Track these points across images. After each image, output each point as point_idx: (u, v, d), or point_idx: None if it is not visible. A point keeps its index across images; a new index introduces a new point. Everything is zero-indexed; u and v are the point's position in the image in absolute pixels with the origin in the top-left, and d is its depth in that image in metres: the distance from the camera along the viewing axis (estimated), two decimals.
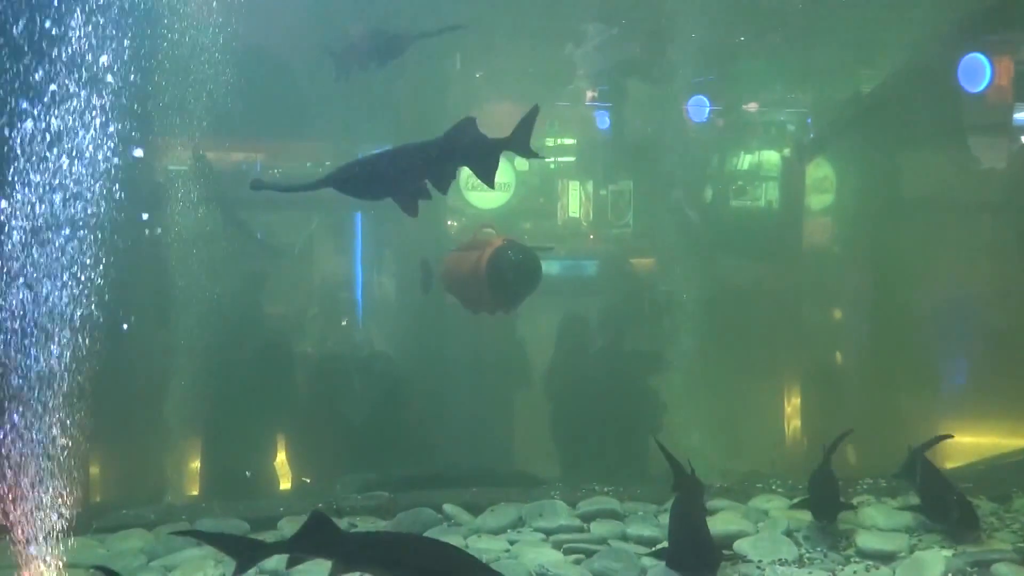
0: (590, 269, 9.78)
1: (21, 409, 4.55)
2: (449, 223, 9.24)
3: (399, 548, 4.38)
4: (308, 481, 7.77)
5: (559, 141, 10.48)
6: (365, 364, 8.66)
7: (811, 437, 9.35)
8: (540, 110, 5.03)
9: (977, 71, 9.73)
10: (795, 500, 6.10)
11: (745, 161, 10.24)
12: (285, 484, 7.82)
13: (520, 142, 5.12)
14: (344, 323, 9.14)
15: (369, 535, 5.33)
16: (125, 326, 6.69)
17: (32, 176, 4.71)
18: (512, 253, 6.15)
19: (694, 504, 5.32)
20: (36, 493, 4.64)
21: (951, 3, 8.82)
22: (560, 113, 10.17)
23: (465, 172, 9.64)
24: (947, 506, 5.61)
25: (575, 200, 10.41)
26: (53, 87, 4.67)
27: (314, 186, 5.12)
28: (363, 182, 5.24)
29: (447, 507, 6.28)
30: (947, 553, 5.39)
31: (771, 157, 10.27)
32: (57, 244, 4.81)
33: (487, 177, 5.16)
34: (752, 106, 10.53)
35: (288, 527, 5.97)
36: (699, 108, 10.02)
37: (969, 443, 8.54)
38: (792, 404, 9.63)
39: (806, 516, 5.92)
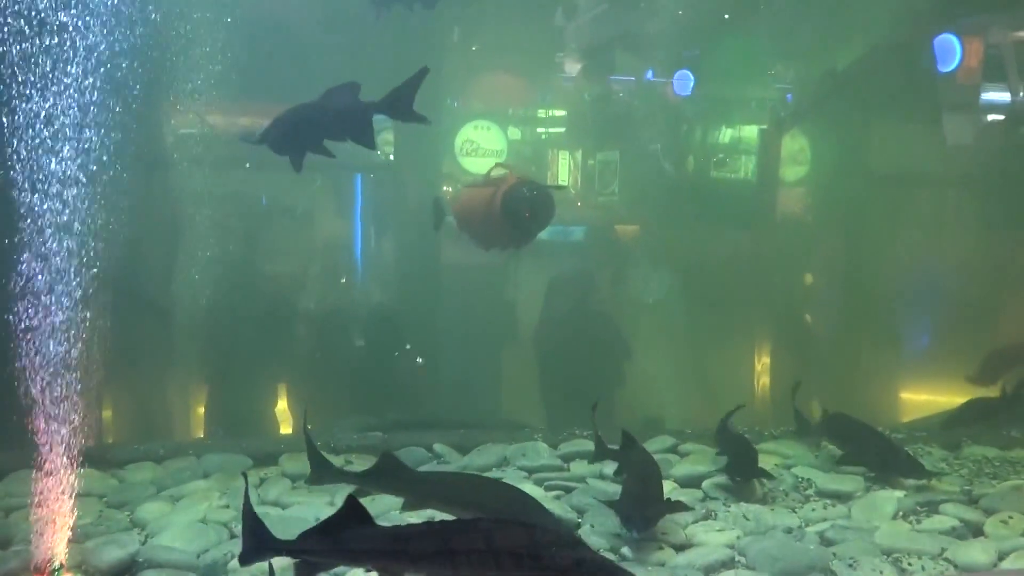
0: (577, 234, 9.89)
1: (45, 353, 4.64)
2: (445, 188, 9.31)
3: (464, 487, 4.57)
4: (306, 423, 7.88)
5: (550, 112, 10.56)
6: (363, 318, 8.79)
7: (775, 392, 9.55)
8: (428, 72, 4.90)
9: (949, 51, 9.83)
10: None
11: (726, 134, 10.33)
12: (285, 426, 7.97)
13: (397, 106, 4.96)
14: (343, 281, 9.25)
15: (435, 474, 5.53)
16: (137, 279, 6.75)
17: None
18: (527, 189, 6.13)
19: (640, 461, 5.37)
20: (56, 427, 4.74)
21: None
22: (551, 85, 10.24)
23: (460, 137, 9.82)
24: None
25: (564, 169, 10.50)
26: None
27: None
28: (272, 139, 5.33)
29: (437, 446, 6.45)
30: (899, 494, 5.58)
31: (751, 130, 10.37)
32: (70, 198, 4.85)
33: (363, 140, 5.07)
34: (734, 81, 10.59)
35: (288, 463, 6.14)
36: (684, 82, 10.10)
37: (927, 400, 8.79)
38: (761, 362, 9.81)
39: (770, 459, 6.13)
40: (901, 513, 5.43)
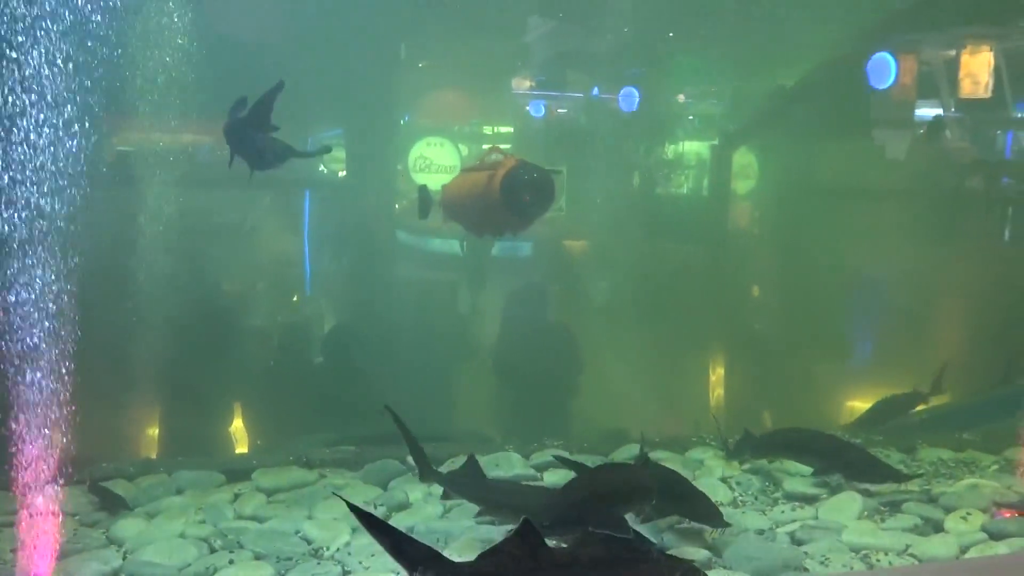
0: (525, 250, 9.95)
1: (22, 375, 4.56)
2: (398, 205, 9.31)
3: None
4: (274, 439, 7.80)
5: (497, 129, 10.63)
6: (322, 336, 8.72)
7: (730, 402, 9.74)
8: (284, 86, 5.14)
9: (884, 69, 10.18)
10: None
11: (673, 150, 10.51)
12: (257, 442, 7.85)
13: (255, 119, 5.20)
14: (295, 299, 9.17)
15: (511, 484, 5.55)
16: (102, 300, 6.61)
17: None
18: (527, 172, 5.96)
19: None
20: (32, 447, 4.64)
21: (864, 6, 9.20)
22: (500, 101, 10.31)
23: (413, 154, 9.81)
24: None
25: None
26: None
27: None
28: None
29: (411, 459, 6.40)
30: (862, 496, 5.73)
31: (697, 146, 10.57)
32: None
33: (242, 155, 5.37)
34: (680, 97, 10.80)
35: (262, 478, 6.07)
36: (629, 99, 10.25)
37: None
38: (716, 373, 9.99)
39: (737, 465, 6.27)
40: (866, 513, 5.58)
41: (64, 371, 4.69)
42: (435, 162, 9.61)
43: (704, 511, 4.89)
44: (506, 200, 5.91)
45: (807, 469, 6.09)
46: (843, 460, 5.80)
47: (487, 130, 10.46)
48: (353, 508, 3.12)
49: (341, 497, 3.63)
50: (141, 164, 7.43)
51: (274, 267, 9.03)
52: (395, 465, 6.34)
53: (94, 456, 5.94)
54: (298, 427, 7.48)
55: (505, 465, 6.36)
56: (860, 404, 9.62)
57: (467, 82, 9.69)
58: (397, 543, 3.15)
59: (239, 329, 8.39)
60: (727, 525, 4.99)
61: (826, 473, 5.87)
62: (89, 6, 5.21)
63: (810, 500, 5.79)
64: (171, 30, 6.80)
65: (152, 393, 7.12)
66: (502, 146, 6.57)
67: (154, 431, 7.27)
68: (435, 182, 9.51)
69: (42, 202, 4.82)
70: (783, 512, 5.59)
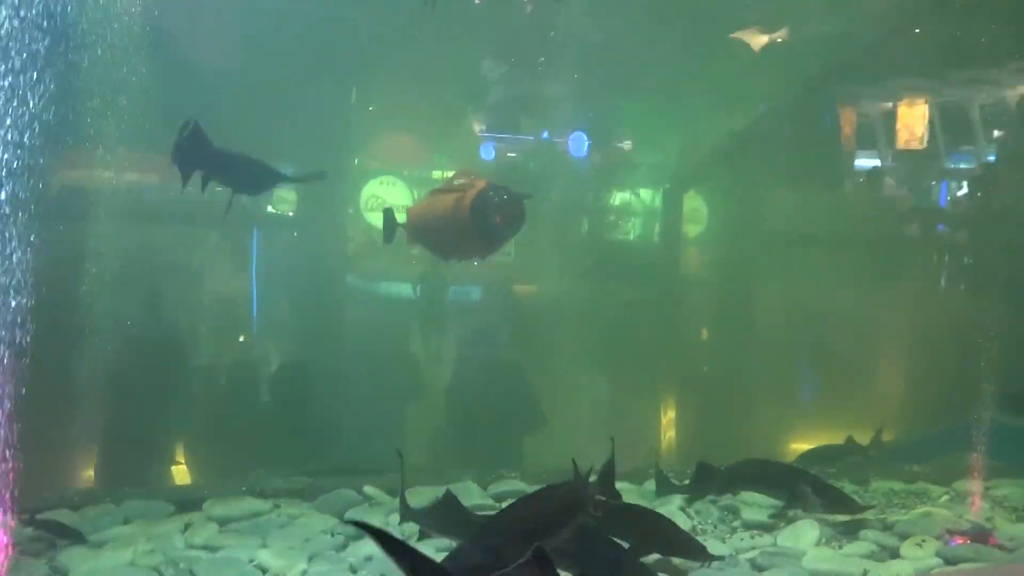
0: (474, 295, 9.96)
1: None
2: (350, 242, 9.25)
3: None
4: (224, 471, 7.57)
5: (445, 174, 10.64)
6: (273, 372, 8.56)
7: (681, 436, 9.77)
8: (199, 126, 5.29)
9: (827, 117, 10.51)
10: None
11: (619, 196, 10.63)
12: (207, 473, 7.61)
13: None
14: (242, 338, 9.00)
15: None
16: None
17: None
18: (498, 194, 5.73)
19: None
20: None
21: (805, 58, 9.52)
22: (451, 143, 10.36)
23: (365, 192, 9.78)
24: None
25: None
26: None
27: None
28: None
29: (367, 489, 6.30)
30: (817, 524, 5.76)
31: (646, 191, 10.71)
32: None
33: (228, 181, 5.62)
34: (627, 144, 10.97)
35: (213, 507, 5.89)
36: (578, 143, 10.37)
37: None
38: (667, 410, 10.03)
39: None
40: (824, 540, 5.60)
41: (7, 401, 4.52)
42: (387, 201, 9.59)
43: (689, 547, 4.83)
44: (476, 222, 5.72)
45: (762, 499, 6.08)
46: (809, 492, 5.77)
47: (436, 173, 10.46)
48: (366, 527, 2.95)
49: (356, 523, 3.32)
50: (85, 200, 7.25)
51: (222, 303, 8.86)
52: (351, 495, 6.22)
53: (37, 485, 5.68)
54: (249, 460, 7.25)
55: (464, 495, 6.22)
56: (803, 444, 9.74)
57: (418, 125, 9.71)
58: (414, 564, 2.92)
59: (188, 363, 8.19)
60: (714, 558, 4.96)
61: (794, 505, 5.83)
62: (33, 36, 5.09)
63: (768, 528, 5.81)
64: (120, 64, 6.67)
65: (97, 425, 6.87)
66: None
67: (100, 462, 6.99)
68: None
69: None
70: (742, 540, 5.59)
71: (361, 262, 9.24)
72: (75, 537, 5.13)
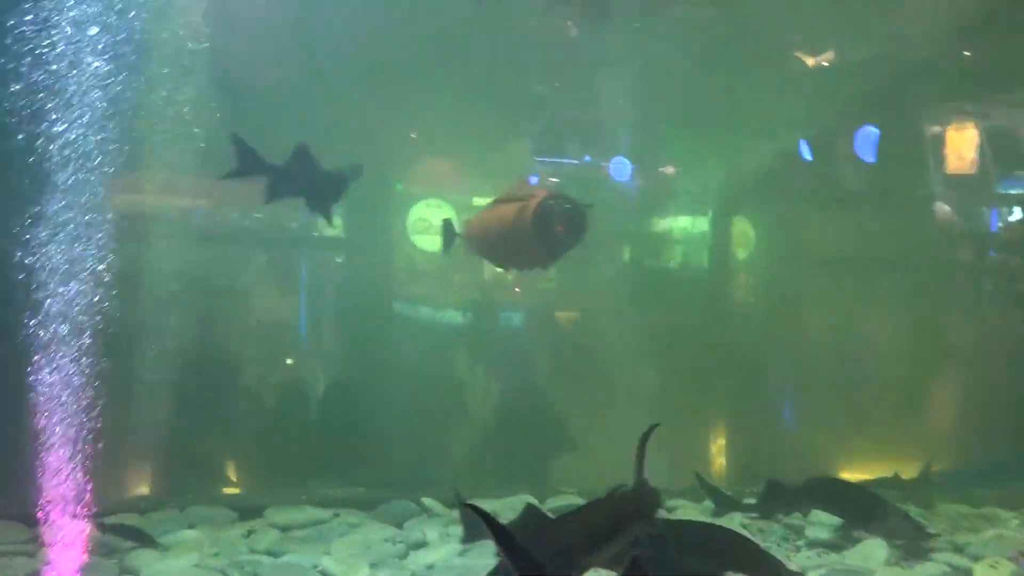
0: (516, 320, 9.94)
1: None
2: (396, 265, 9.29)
3: None
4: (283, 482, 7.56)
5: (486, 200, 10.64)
6: (324, 389, 8.59)
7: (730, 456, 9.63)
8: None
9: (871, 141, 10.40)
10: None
11: (664, 220, 10.54)
12: (268, 483, 7.62)
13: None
14: (290, 362, 9.04)
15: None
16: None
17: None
18: (560, 203, 5.57)
19: None
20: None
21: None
22: (494, 168, 10.37)
23: (412, 215, 9.80)
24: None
25: None
26: None
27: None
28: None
29: (425, 500, 6.28)
30: (888, 544, 5.64)
31: (689, 216, 10.63)
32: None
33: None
34: (670, 168, 10.91)
35: (275, 515, 5.91)
36: (620, 167, 10.31)
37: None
38: (719, 431, 9.88)
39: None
40: (893, 560, 5.47)
41: (80, 411, 4.58)
42: (433, 223, 9.61)
43: (774, 569, 4.66)
44: (538, 232, 5.57)
45: (826, 519, 5.97)
46: (878, 514, 5.63)
47: (479, 199, 10.48)
48: (479, 511, 2.90)
49: (471, 506, 3.25)
50: (141, 222, 7.36)
51: (278, 323, 8.94)
52: (409, 506, 6.19)
53: (108, 491, 5.74)
54: (308, 471, 7.24)
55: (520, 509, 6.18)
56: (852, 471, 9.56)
57: (462, 150, 9.74)
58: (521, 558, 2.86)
59: (246, 380, 8.24)
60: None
61: (860, 527, 5.69)
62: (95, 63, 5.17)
63: (835, 547, 5.67)
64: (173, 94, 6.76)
65: (163, 436, 6.91)
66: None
67: (164, 470, 7.02)
68: (431, 244, 9.61)
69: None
70: (809, 558, 5.48)
71: (406, 285, 9.25)
72: (148, 541, 5.14)
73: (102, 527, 5.23)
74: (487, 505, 6.03)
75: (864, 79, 9.39)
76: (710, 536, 4.65)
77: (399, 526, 5.91)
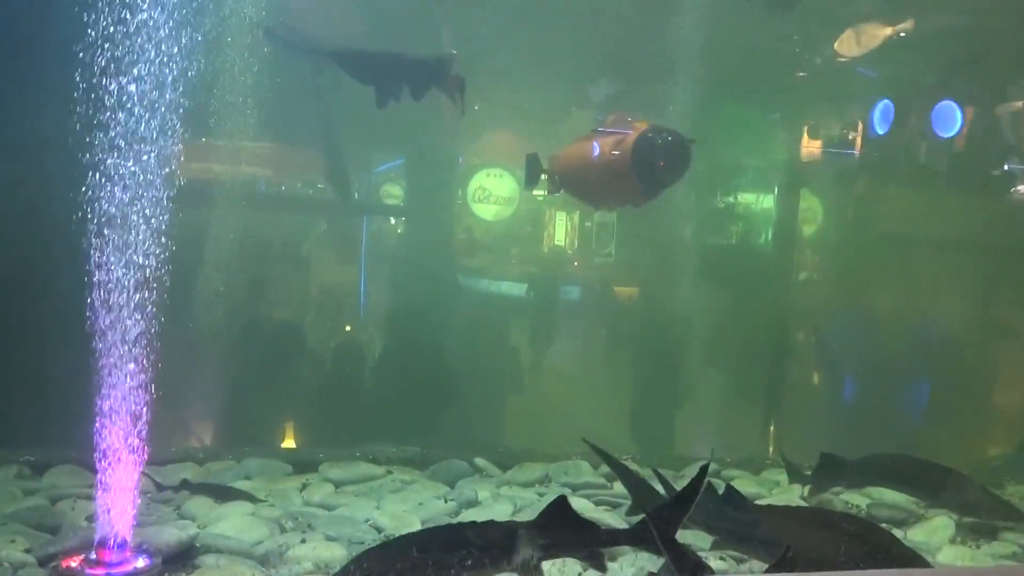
0: (573, 294, 9.82)
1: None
2: (459, 236, 9.23)
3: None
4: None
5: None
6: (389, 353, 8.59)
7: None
8: None
9: (949, 118, 9.96)
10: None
11: (729, 199, 10.26)
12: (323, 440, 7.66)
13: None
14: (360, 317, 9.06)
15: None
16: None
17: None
18: (662, 136, 5.15)
19: None
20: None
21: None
22: (554, 140, 10.19)
23: (473, 184, 9.70)
24: None
25: (561, 229, 10.43)
26: None
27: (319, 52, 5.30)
28: (357, 64, 5.39)
29: (478, 460, 6.23)
30: (955, 519, 5.40)
31: (754, 193, 10.35)
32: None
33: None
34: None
35: (329, 470, 5.91)
36: None
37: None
38: (778, 404, 9.63)
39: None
40: (959, 538, 5.24)
41: (146, 364, 4.60)
42: (494, 192, 9.51)
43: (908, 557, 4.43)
44: (637, 165, 5.13)
45: (888, 496, 5.74)
46: (959, 495, 5.31)
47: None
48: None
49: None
50: (208, 189, 7.40)
51: (332, 291, 8.97)
52: (462, 465, 6.15)
53: (168, 440, 5.82)
54: (362, 432, 7.25)
55: (574, 472, 6.12)
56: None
57: (520, 123, 9.59)
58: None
59: (302, 343, 8.28)
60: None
61: (937, 507, 5.42)
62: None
63: (898, 523, 5.45)
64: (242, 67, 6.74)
65: (222, 390, 6.99)
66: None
67: (226, 424, 7.10)
68: (491, 213, 9.52)
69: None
70: None
71: (464, 255, 9.19)
72: (237, 495, 5.21)
73: (188, 485, 5.28)
74: (538, 467, 6.00)
75: (944, 50, 9.01)
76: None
77: (451, 485, 5.85)
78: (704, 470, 3.52)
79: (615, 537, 3.92)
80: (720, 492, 4.21)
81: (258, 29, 5.36)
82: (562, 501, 3.64)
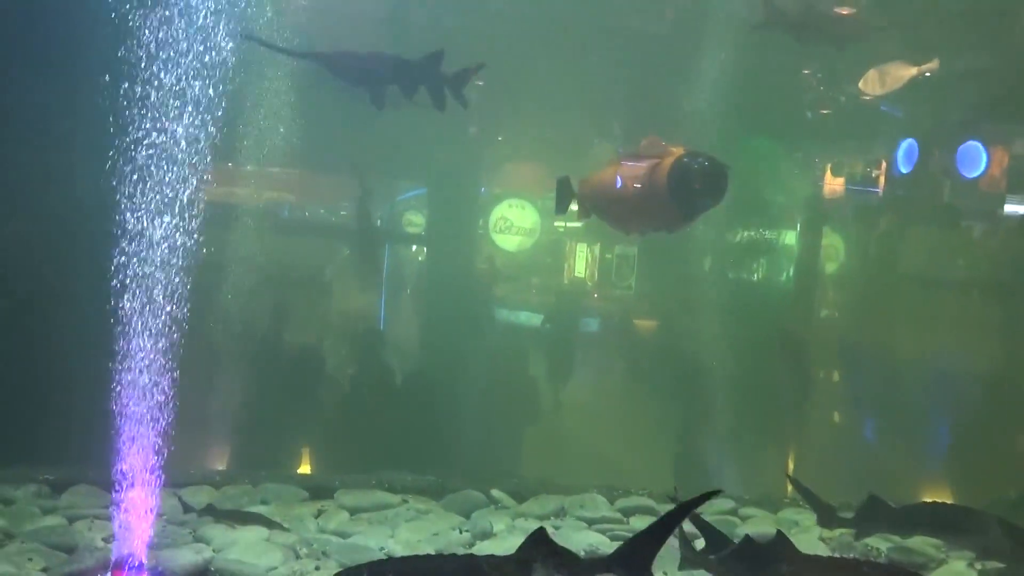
0: (592, 325, 9.81)
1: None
2: (480, 265, 9.26)
3: None
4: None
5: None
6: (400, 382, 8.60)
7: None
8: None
9: (974, 158, 9.92)
10: None
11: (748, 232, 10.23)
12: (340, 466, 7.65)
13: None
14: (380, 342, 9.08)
15: None
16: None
17: None
18: (698, 160, 5.01)
19: None
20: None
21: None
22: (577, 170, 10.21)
23: (495, 214, 9.74)
24: None
25: (582, 260, 10.46)
26: None
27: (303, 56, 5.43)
28: (342, 68, 5.43)
29: (494, 492, 6.19)
30: (978, 566, 5.31)
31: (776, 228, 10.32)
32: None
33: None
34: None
35: (344, 497, 5.91)
36: None
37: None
38: (803, 443, 9.53)
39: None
40: None
41: (163, 384, 4.63)
42: (515, 223, 9.55)
43: None
44: (673, 190, 5.01)
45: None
46: (973, 528, 5.07)
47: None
48: None
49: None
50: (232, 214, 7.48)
51: (352, 317, 9.00)
52: (478, 496, 6.11)
53: (185, 463, 5.83)
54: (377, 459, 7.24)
55: (590, 506, 6.07)
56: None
57: (543, 154, 9.64)
58: None
59: (321, 369, 8.30)
60: None
61: (989, 558, 5.19)
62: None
63: (918, 567, 5.35)
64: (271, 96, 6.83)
65: (242, 415, 7.02)
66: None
67: (242, 448, 7.12)
68: (513, 243, 9.55)
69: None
70: None
71: (485, 284, 9.21)
72: (259, 520, 5.20)
73: (212, 511, 5.28)
74: (554, 499, 5.96)
75: (969, 90, 9.00)
76: None
77: (466, 516, 5.81)
78: (683, 507, 3.47)
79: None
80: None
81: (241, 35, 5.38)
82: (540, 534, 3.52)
